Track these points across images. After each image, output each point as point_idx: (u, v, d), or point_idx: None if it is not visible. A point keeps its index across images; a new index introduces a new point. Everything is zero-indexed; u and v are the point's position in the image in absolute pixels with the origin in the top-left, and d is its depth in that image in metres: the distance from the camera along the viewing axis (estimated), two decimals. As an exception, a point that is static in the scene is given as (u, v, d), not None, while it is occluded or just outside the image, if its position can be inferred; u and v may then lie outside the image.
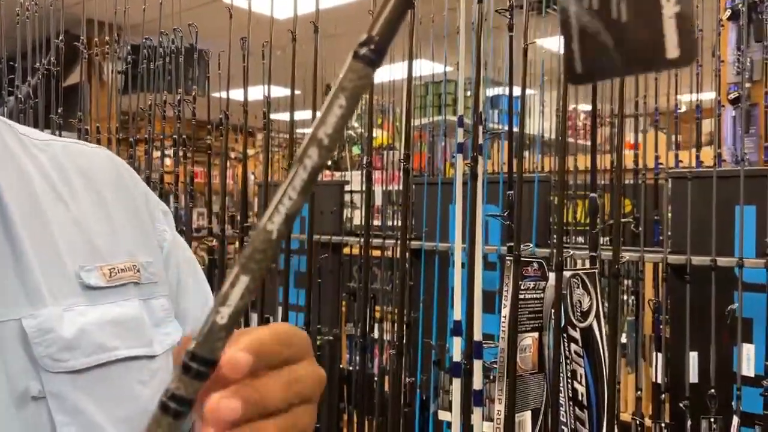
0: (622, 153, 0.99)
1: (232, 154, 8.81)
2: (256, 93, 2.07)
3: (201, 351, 0.29)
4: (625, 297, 1.98)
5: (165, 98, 2.17)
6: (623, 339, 1.99)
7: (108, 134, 2.29)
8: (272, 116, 2.24)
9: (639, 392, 1.67)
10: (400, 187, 2.93)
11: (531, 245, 0.95)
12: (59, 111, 1.91)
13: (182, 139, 2.30)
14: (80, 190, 0.59)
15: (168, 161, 2.66)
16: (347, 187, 3.08)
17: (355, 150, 5.71)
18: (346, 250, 2.64)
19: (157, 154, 2.36)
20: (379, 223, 2.97)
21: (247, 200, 2.05)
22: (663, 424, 1.52)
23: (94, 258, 0.56)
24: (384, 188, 3.28)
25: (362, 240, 2.14)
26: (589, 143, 2.59)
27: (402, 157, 1.13)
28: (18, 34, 1.96)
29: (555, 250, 0.90)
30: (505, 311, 0.93)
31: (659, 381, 1.55)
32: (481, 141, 0.99)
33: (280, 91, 2.20)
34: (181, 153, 2.45)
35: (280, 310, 2.80)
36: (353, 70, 0.28)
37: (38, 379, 0.49)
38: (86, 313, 0.53)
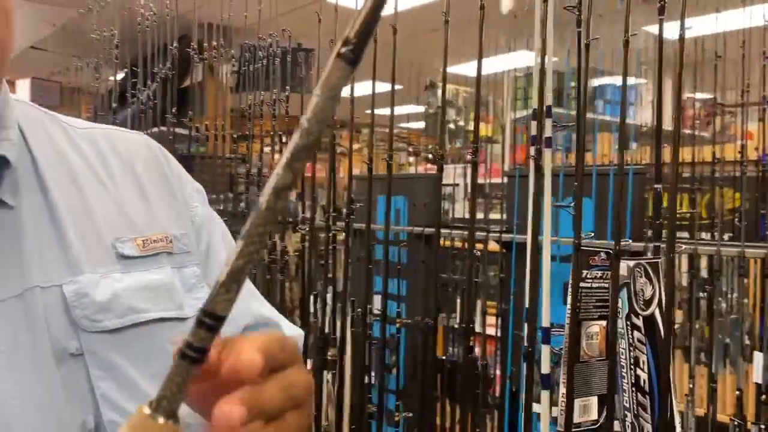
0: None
1: (338, 149, 9.05)
2: (359, 89, 2.16)
3: (208, 306, 0.34)
4: (728, 294, 1.92)
5: (275, 96, 2.32)
6: (727, 339, 1.93)
7: (222, 131, 2.46)
8: (376, 111, 2.33)
9: (738, 392, 1.63)
10: (500, 180, 2.95)
11: (592, 234, 0.98)
12: (173, 111, 2.13)
13: (288, 135, 2.45)
14: (117, 171, 0.66)
15: (278, 156, 2.85)
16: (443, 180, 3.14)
17: (457, 143, 5.74)
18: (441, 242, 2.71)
19: (268, 149, 2.54)
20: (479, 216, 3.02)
21: (335, 192, 2.17)
22: (763, 426, 1.48)
23: (129, 231, 0.63)
24: (487, 181, 3.31)
25: (455, 232, 2.20)
26: (696, 134, 2.50)
27: (472, 151, 1.19)
28: (139, 41, 2.20)
29: (614, 241, 0.94)
30: (570, 299, 0.98)
31: (760, 381, 1.51)
32: (549, 134, 1.03)
33: (380, 87, 2.28)
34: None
35: (377, 298, 2.93)
36: (336, 67, 0.32)
37: (77, 338, 0.55)
38: (121, 279, 0.59)
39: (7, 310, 0.53)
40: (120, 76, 2.82)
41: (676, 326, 2.00)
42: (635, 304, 0.95)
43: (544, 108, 1.00)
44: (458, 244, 2.57)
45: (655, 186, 0.93)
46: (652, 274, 0.94)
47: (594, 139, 2.31)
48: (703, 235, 2.19)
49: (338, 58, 0.32)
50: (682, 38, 0.91)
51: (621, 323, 0.97)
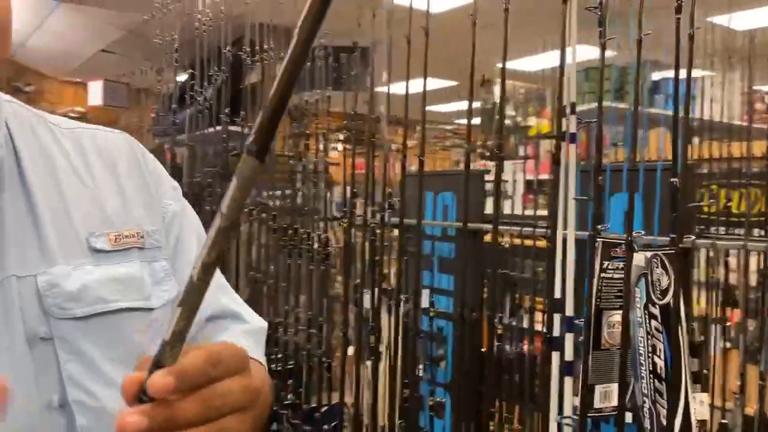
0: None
1: (393, 146, 9.11)
2: (413, 86, 2.19)
3: (158, 360, 0.42)
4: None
5: (329, 95, 2.38)
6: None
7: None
8: (431, 108, 2.36)
9: (762, 382, 1.60)
10: (548, 176, 2.96)
11: (608, 226, 1.01)
12: (226, 111, 2.26)
13: (345, 132, 2.50)
14: (98, 169, 0.71)
15: (334, 153, 2.93)
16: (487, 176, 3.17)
17: (513, 140, 5.71)
18: (487, 238, 2.74)
19: (322, 146, 2.62)
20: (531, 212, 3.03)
21: (368, 187, 2.22)
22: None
23: (104, 226, 0.67)
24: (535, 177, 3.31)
25: (502, 227, 2.23)
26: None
27: (496, 148, 1.23)
28: (197, 45, 2.33)
29: (627, 233, 0.97)
30: (593, 289, 1.01)
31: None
32: (573, 129, 1.07)
33: (436, 83, 2.28)
34: (341, 147, 2.70)
35: (426, 292, 2.99)
36: (246, 163, 0.39)
37: (47, 324, 0.60)
38: (92, 271, 0.64)
39: None
40: (182, 78, 2.97)
41: (728, 324, 1.98)
42: (652, 294, 0.98)
43: (561, 103, 1.04)
44: (508, 240, 2.59)
45: (671, 180, 0.95)
46: (668, 264, 0.97)
47: (644, 134, 2.29)
48: (756, 232, 2.14)
49: (248, 155, 0.39)
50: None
51: (639, 312, 1.00)
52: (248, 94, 2.27)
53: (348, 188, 2.75)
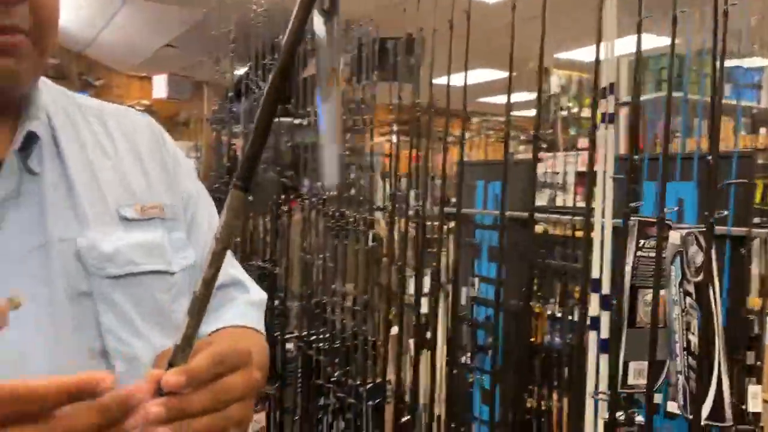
0: None
1: (449, 138, 9.10)
2: (470, 77, 2.16)
3: (171, 361, 0.51)
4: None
5: (391, 86, 2.40)
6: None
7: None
8: (483, 99, 2.37)
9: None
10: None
11: (641, 203, 1.02)
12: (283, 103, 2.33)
13: (401, 124, 2.52)
14: (122, 146, 0.79)
15: (387, 144, 2.97)
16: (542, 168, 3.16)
17: (572, 131, 5.62)
18: (538, 228, 2.74)
19: (379, 138, 2.66)
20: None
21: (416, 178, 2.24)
22: None
23: (130, 198, 0.75)
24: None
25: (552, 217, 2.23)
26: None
27: (535, 133, 1.24)
28: (253, 37, 2.41)
29: (659, 210, 0.97)
30: (627, 268, 1.02)
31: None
32: (611, 110, 1.08)
33: (492, 74, 2.24)
34: (394, 138, 2.73)
35: (476, 281, 3.01)
36: (234, 196, 0.48)
37: (87, 281, 0.68)
38: (122, 237, 0.72)
39: (33, 256, 0.66)
40: (242, 70, 3.08)
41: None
42: (687, 272, 0.99)
43: (599, 88, 1.05)
44: (560, 231, 2.59)
45: (707, 157, 0.96)
46: (703, 242, 0.97)
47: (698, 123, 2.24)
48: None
49: (234, 188, 0.49)
50: None
51: (675, 290, 1.01)
52: (305, 84, 2.34)
53: (399, 179, 2.80)
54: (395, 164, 2.56)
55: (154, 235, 0.76)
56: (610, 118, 1.12)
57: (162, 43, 5.91)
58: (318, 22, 0.59)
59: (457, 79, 2.18)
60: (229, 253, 0.84)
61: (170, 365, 0.51)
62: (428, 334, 2.14)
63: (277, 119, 2.71)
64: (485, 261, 3.08)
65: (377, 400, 1.52)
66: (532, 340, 2.77)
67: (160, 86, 6.52)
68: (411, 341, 1.45)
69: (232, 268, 0.89)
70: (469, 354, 2.60)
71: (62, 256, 0.68)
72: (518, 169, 3.06)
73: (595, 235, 1.09)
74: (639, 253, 1.03)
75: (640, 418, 1.00)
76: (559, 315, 2.19)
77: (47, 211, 0.68)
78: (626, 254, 1.04)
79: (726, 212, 1.00)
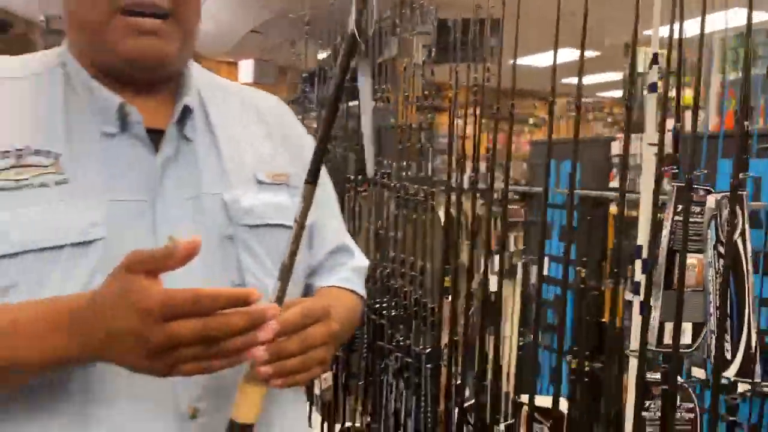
0: None
1: (531, 120, 8.98)
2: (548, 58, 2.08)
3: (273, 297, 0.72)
4: None
5: (470, 67, 2.43)
6: None
7: (405, 103, 2.67)
8: (566, 80, 2.36)
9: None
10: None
11: (674, 169, 1.05)
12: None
13: (482, 106, 2.55)
14: (254, 120, 0.94)
15: (469, 128, 3.02)
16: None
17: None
18: (612, 209, 2.73)
19: (458, 121, 2.71)
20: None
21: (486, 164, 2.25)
22: None
23: (263, 165, 0.90)
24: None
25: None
26: None
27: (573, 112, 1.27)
28: (327, 21, 2.53)
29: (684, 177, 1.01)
30: (665, 231, 1.06)
31: None
32: (654, 79, 1.11)
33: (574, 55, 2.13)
34: (472, 120, 2.78)
35: (546, 260, 3.04)
36: (305, 189, 0.70)
37: (232, 228, 0.83)
38: (257, 196, 0.87)
39: (188, 205, 0.82)
40: (323, 55, 3.21)
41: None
42: (721, 234, 1.02)
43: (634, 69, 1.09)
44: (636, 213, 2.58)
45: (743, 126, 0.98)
46: (737, 203, 1.00)
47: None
48: None
49: (305, 183, 0.71)
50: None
51: (710, 253, 1.04)
52: (380, 69, 2.44)
53: (478, 160, 2.84)
54: (475, 145, 2.58)
55: (281, 198, 0.90)
56: (652, 87, 1.15)
57: (247, 29, 6.19)
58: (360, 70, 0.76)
59: (539, 60, 2.11)
60: (342, 224, 1.08)
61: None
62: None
63: (349, 103, 2.83)
64: (556, 240, 3.10)
65: (434, 364, 1.62)
66: (603, 320, 2.78)
67: (246, 71, 6.81)
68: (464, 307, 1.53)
69: (344, 237, 1.06)
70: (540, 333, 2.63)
71: (212, 207, 0.84)
72: (592, 150, 3.05)
73: (642, 204, 1.13)
74: (677, 217, 1.07)
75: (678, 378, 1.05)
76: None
77: (200, 171, 0.84)
78: (665, 219, 1.08)
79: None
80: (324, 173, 1.03)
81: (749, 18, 1.12)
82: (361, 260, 1.07)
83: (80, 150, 0.80)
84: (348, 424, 1.93)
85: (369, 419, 1.80)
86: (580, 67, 1.89)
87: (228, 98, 0.94)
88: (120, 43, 0.80)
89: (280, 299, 0.70)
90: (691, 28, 1.17)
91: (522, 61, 2.16)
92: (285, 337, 0.70)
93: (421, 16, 2.54)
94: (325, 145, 0.74)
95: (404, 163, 2.79)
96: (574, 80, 1.62)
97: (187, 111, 0.85)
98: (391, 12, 2.53)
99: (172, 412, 0.77)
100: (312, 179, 0.72)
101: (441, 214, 2.58)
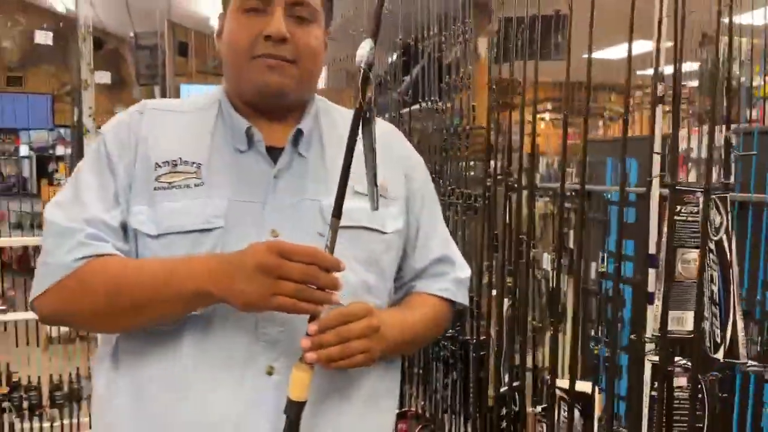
0: None
1: (606, 114, 8.84)
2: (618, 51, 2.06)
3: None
4: None
5: (536, 64, 2.47)
6: None
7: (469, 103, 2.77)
8: (640, 72, 2.37)
9: None
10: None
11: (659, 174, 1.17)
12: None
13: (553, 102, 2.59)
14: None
15: (542, 125, 3.11)
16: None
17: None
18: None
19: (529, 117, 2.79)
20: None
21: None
22: None
23: (362, 178, 1.01)
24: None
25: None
26: None
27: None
28: (412, 21, 2.68)
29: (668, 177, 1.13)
30: (665, 230, 1.18)
31: None
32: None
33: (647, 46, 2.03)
34: (548, 117, 2.85)
35: (605, 256, 3.12)
36: (332, 222, 0.93)
37: (324, 228, 1.00)
38: (352, 203, 1.00)
39: (290, 208, 1.06)
40: (391, 58, 3.39)
41: None
42: (709, 231, 1.14)
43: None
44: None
45: (725, 133, 1.10)
46: (720, 206, 1.12)
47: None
48: None
49: (332, 217, 0.96)
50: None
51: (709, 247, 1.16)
52: (450, 69, 2.54)
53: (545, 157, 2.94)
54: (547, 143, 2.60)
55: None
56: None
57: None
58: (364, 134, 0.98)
59: (610, 53, 2.06)
60: (447, 236, 1.29)
61: (311, 318, 0.95)
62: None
63: (419, 104, 2.99)
64: (613, 236, 3.17)
65: (482, 353, 1.79)
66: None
67: (320, 77, 7.09)
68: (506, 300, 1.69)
69: (447, 247, 1.27)
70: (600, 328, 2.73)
71: (310, 210, 1.07)
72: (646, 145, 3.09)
73: (653, 202, 1.26)
74: (676, 217, 1.20)
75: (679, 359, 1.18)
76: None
77: (306, 181, 1.09)
78: (666, 219, 1.21)
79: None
80: (432, 191, 1.28)
81: None
82: (462, 271, 1.27)
83: (217, 161, 1.10)
84: (404, 408, 2.12)
85: (422, 403, 1.99)
86: (629, 63, 1.91)
87: (342, 123, 1.14)
88: (253, 78, 1.07)
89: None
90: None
91: (594, 54, 2.15)
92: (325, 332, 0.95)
93: (486, 15, 2.64)
94: (344, 186, 0.95)
95: (470, 164, 2.88)
96: (649, 72, 1.59)
97: (299, 133, 1.11)
98: (456, 12, 2.64)
99: (254, 369, 1.02)
100: (336, 214, 0.94)
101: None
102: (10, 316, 3.48)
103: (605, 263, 2.87)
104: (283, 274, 0.92)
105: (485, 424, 1.65)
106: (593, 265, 3.21)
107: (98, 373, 1.10)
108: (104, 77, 8.05)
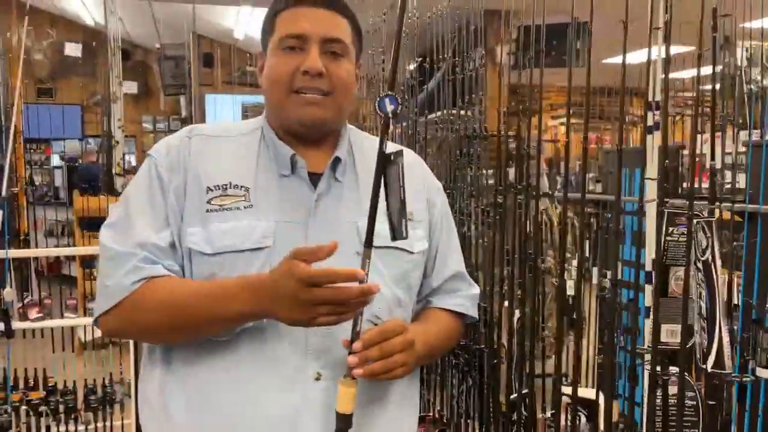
0: None
1: (628, 118, 8.85)
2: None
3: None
4: None
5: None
6: None
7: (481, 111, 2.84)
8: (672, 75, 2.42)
9: None
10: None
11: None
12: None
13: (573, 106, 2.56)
14: None
15: (562, 129, 3.16)
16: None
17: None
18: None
19: (553, 122, 2.84)
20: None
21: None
22: None
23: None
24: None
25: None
26: None
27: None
28: (427, 35, 2.79)
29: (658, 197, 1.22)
30: (659, 249, 1.28)
31: None
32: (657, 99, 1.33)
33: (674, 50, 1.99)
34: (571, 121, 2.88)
35: (619, 264, 3.18)
36: (363, 252, 1.09)
37: (360, 246, 1.12)
38: (382, 225, 1.11)
39: (330, 228, 1.19)
40: (412, 66, 3.50)
41: None
42: (697, 252, 1.23)
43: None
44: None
45: (710, 163, 1.19)
46: (706, 229, 1.21)
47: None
48: None
49: (365, 248, 1.11)
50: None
51: (692, 267, 1.25)
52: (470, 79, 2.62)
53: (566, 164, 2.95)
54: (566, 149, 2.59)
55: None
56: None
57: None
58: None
59: (630, 58, 2.02)
60: (460, 256, 1.44)
61: (355, 336, 1.09)
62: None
63: (441, 112, 3.07)
64: (628, 245, 3.25)
65: (494, 361, 1.89)
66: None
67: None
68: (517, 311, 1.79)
69: (461, 266, 1.42)
70: (615, 335, 2.80)
71: (348, 231, 1.20)
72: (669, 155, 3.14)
73: (649, 221, 1.36)
74: (668, 237, 1.29)
75: (673, 369, 1.27)
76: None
77: (342, 203, 1.22)
78: (662, 238, 1.31)
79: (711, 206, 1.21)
80: (449, 213, 1.43)
81: None
82: (474, 288, 1.43)
83: (263, 185, 1.23)
84: (423, 413, 2.24)
85: (440, 408, 2.10)
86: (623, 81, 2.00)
87: (373, 152, 1.24)
88: (293, 111, 1.23)
89: (355, 328, 1.11)
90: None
91: (615, 60, 2.16)
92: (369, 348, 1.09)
93: (505, 23, 2.71)
94: (373, 221, 1.08)
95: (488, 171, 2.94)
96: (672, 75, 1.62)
97: (337, 160, 1.26)
98: (476, 21, 2.71)
99: (303, 374, 1.17)
100: (368, 244, 1.06)
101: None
102: (47, 323, 3.65)
103: (620, 271, 2.94)
104: (318, 301, 1.04)
105: (498, 429, 1.76)
106: (608, 273, 3.27)
107: (149, 378, 1.24)
108: (132, 87, 8.30)
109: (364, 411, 1.17)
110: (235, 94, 9.16)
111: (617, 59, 1.82)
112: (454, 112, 2.83)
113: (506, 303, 1.85)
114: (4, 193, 3.71)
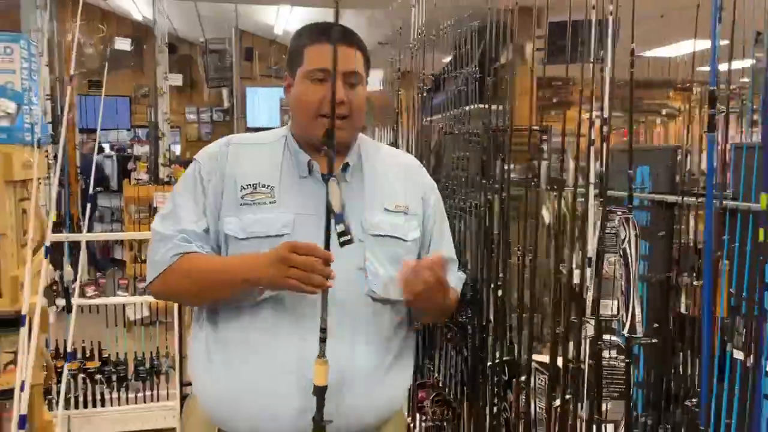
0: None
1: (664, 111, 8.89)
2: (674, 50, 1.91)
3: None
4: None
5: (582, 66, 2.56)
6: None
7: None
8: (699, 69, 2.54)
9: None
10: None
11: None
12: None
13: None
14: (394, 172, 1.60)
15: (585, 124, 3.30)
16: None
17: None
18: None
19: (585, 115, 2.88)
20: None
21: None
22: None
23: (391, 199, 1.52)
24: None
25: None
26: None
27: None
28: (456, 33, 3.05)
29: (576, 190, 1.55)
30: (596, 239, 1.60)
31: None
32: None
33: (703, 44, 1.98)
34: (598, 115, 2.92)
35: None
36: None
37: (363, 235, 1.46)
38: (382, 218, 1.50)
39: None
40: (447, 59, 3.74)
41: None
42: (618, 242, 1.55)
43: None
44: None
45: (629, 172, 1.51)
46: (625, 224, 1.54)
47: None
48: None
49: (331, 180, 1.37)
50: None
51: (617, 254, 1.57)
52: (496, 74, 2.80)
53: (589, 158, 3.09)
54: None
55: (398, 220, 1.55)
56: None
57: (374, 42, 6.95)
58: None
59: (666, 51, 1.93)
60: (451, 244, 1.72)
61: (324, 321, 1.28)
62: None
63: (469, 107, 3.24)
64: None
65: (484, 335, 2.23)
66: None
67: (375, 81, 7.61)
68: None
69: (452, 253, 1.71)
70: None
71: (353, 222, 1.36)
72: (666, 155, 3.39)
73: (590, 215, 1.68)
74: (606, 230, 1.61)
75: (613, 338, 1.61)
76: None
77: (348, 200, 1.34)
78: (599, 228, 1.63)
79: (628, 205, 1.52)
80: (442, 209, 1.73)
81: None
82: (461, 274, 1.78)
83: (286, 185, 1.51)
84: (424, 380, 2.59)
85: (437, 375, 2.45)
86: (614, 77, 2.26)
87: (378, 157, 1.62)
88: (320, 131, 1.39)
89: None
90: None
91: (648, 53, 2.14)
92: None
93: (534, 19, 2.81)
94: (329, 224, 1.30)
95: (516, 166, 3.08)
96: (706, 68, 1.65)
97: (347, 165, 1.55)
98: (505, 17, 2.84)
99: (314, 335, 1.30)
100: (326, 246, 1.31)
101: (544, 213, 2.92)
102: (101, 300, 4.13)
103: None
104: (291, 263, 1.31)
105: (484, 390, 2.12)
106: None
107: (197, 337, 1.57)
108: (177, 80, 8.81)
109: (367, 362, 1.48)
110: (272, 87, 9.61)
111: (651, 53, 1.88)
112: (483, 106, 2.95)
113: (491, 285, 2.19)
114: (91, 190, 4.12)
